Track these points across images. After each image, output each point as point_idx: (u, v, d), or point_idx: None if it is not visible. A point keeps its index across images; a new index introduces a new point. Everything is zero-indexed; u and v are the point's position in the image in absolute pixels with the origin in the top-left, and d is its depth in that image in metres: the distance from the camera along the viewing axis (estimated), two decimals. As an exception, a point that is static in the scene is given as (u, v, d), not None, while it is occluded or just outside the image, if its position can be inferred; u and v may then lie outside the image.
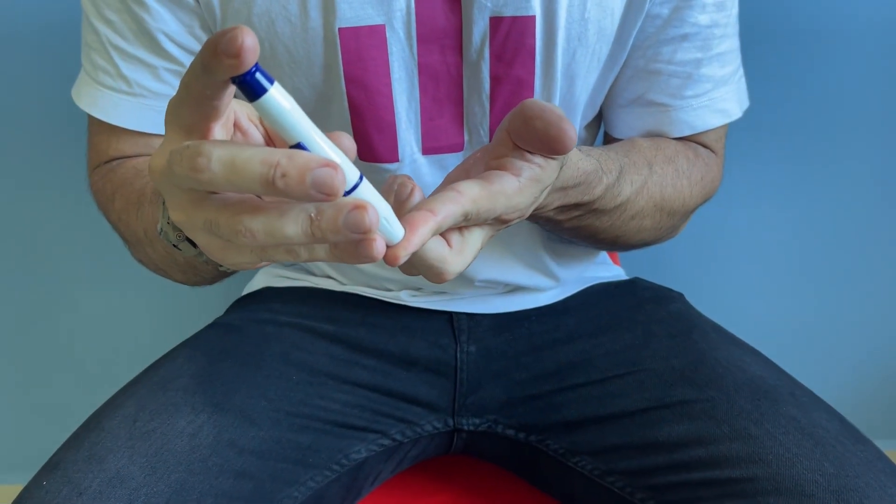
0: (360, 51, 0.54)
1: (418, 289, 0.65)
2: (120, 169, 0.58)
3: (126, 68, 0.57)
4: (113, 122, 0.58)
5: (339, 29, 0.53)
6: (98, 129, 0.60)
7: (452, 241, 0.38)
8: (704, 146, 0.63)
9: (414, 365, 0.64)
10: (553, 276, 0.66)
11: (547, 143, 0.38)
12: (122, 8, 0.55)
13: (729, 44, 0.61)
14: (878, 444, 0.54)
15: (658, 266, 0.87)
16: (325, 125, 0.53)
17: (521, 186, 0.39)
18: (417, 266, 0.38)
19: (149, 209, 0.51)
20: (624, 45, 0.58)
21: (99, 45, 0.57)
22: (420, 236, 0.34)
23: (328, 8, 0.52)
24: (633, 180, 0.55)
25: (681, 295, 0.68)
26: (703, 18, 0.58)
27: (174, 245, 0.42)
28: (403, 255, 0.34)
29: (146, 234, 0.52)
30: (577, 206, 0.50)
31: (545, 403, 0.62)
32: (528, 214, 0.42)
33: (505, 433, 0.63)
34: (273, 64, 0.55)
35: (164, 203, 0.41)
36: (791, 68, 0.96)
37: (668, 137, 0.61)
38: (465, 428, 0.64)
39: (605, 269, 0.72)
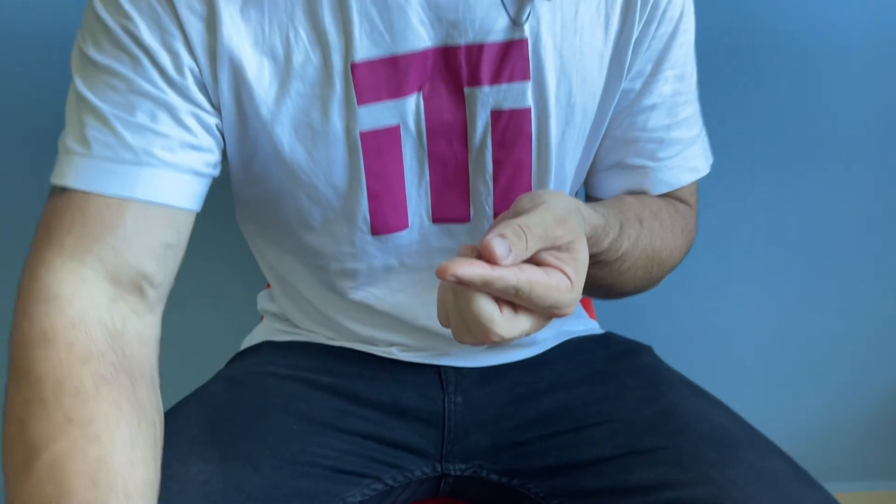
0: (378, 149, 0.60)
1: (405, 345, 0.70)
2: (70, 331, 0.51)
3: (129, 135, 0.56)
4: (99, 191, 0.55)
5: (360, 132, 0.59)
6: (55, 216, 0.55)
7: (504, 311, 0.45)
8: (681, 201, 0.70)
9: (405, 415, 0.68)
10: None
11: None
12: (127, 85, 0.56)
13: (691, 109, 0.68)
14: (828, 486, 0.60)
15: (630, 318, 0.93)
16: (342, 211, 0.58)
17: (574, 284, 0.47)
18: (469, 320, 0.45)
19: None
20: (604, 119, 0.65)
21: (95, 116, 0.56)
22: (470, 268, 0.42)
23: (350, 115, 0.59)
24: (629, 234, 0.60)
25: (650, 348, 0.74)
26: (667, 89, 0.65)
27: None
28: (451, 271, 0.42)
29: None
30: (594, 257, 0.55)
31: (527, 450, 0.67)
32: (581, 245, 0.49)
33: (489, 478, 0.68)
34: (285, 165, 0.60)
35: None
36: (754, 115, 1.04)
37: (649, 195, 0.68)
38: (453, 473, 0.69)
39: (581, 322, 0.78)
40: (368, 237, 0.63)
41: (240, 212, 0.69)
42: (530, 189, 0.64)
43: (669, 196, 0.69)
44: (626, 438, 0.64)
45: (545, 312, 0.47)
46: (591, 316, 0.83)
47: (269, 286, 0.77)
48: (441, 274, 0.42)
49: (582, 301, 0.83)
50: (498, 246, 0.44)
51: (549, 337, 0.73)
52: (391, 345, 0.70)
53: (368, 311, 0.68)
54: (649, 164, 0.67)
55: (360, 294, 0.67)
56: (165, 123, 0.56)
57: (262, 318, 0.80)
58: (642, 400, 0.66)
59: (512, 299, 0.45)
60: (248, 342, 0.77)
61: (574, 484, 0.64)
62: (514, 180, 0.63)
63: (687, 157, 0.69)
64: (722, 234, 1.09)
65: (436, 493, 0.71)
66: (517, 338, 0.47)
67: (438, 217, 0.64)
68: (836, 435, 1.22)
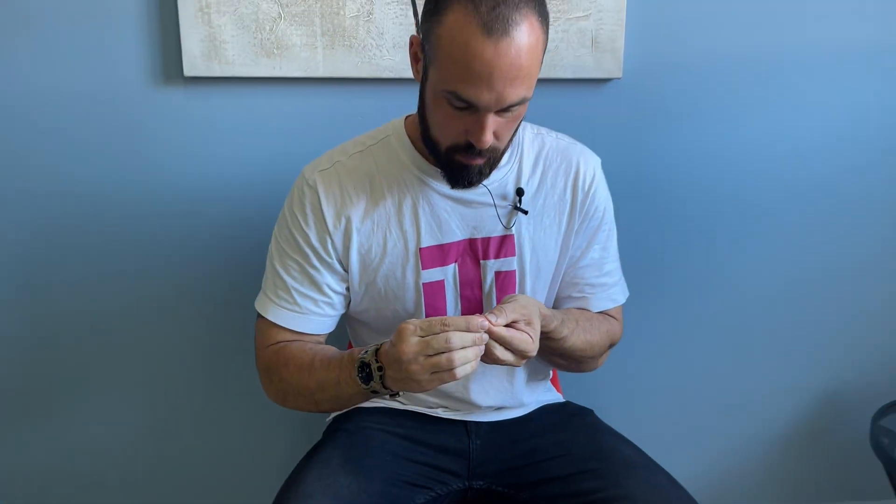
0: (433, 293, 1.10)
1: (446, 407, 1.17)
2: (288, 347, 1.09)
3: (298, 298, 1.09)
4: (284, 325, 1.09)
5: (423, 283, 1.09)
6: (269, 325, 1.10)
7: (499, 348, 0.93)
8: (611, 315, 1.19)
9: (447, 451, 1.15)
10: (523, 400, 1.19)
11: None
12: (302, 270, 1.09)
13: (612, 266, 1.19)
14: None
15: (582, 390, 1.40)
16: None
17: (534, 339, 0.96)
18: (515, 349, 0.93)
19: (322, 374, 1.02)
20: (559, 273, 1.15)
21: (282, 285, 1.09)
22: (498, 329, 0.92)
23: (418, 273, 1.08)
24: (569, 325, 1.08)
25: (591, 411, 1.22)
26: (595, 255, 1.16)
27: (373, 391, 0.96)
28: (488, 324, 0.91)
29: (318, 384, 1.03)
30: (546, 334, 1.02)
31: (520, 472, 1.13)
32: (536, 321, 0.96)
33: (497, 489, 1.14)
34: (382, 297, 1.10)
35: (374, 368, 0.94)
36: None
37: (590, 311, 1.17)
38: (475, 487, 1.15)
39: (551, 395, 1.26)
40: None
41: (350, 318, 1.17)
42: None
43: (604, 312, 1.18)
44: (577, 464, 1.10)
45: (520, 354, 0.94)
46: (558, 390, 1.31)
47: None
48: (482, 329, 0.90)
49: (552, 381, 1.30)
50: (495, 318, 0.93)
51: (532, 403, 1.21)
52: (439, 407, 1.17)
53: None
54: (587, 296, 1.17)
55: None
56: (318, 293, 1.09)
57: None
58: (585, 442, 1.14)
59: (504, 345, 0.93)
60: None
61: (547, 492, 1.10)
62: None
63: (610, 294, 1.19)
64: (637, 326, 1.57)
65: (465, 499, 1.17)
66: (507, 363, 0.94)
67: None
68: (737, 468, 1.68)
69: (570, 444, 1.13)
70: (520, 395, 1.19)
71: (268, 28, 1.33)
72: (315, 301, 1.09)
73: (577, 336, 1.09)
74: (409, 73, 1.08)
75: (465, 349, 0.89)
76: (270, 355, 1.09)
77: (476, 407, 1.16)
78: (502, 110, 0.94)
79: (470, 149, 0.98)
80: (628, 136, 1.45)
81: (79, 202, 1.39)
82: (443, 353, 0.88)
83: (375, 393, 0.97)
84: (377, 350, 0.95)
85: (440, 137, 1.00)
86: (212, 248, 1.43)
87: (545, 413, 1.21)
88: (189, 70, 1.33)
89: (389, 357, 0.92)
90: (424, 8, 0.96)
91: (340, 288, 1.10)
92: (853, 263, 1.56)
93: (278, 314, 1.09)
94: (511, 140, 1.03)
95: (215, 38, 1.32)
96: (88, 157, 1.37)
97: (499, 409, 1.19)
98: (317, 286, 1.09)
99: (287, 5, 1.32)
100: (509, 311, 0.94)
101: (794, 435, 1.66)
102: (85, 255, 1.42)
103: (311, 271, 1.08)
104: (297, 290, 1.09)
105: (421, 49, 0.99)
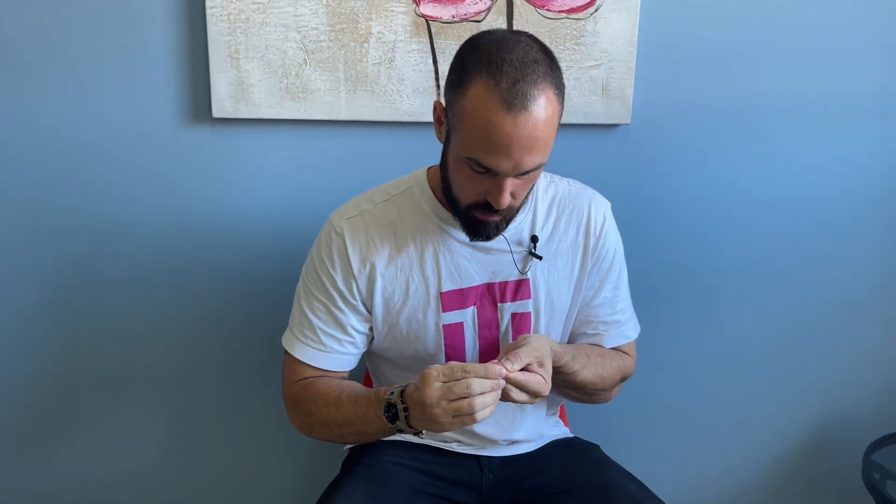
0: (452, 334, 1.16)
1: (460, 442, 1.23)
2: (315, 383, 1.16)
3: (323, 338, 1.16)
4: (309, 363, 1.16)
5: (443, 325, 1.15)
6: (296, 362, 1.17)
7: (515, 390, 0.99)
8: (624, 352, 1.25)
9: (461, 484, 1.21)
10: (533, 435, 1.25)
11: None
12: (328, 311, 1.15)
13: (624, 304, 1.25)
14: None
15: (589, 425, 1.46)
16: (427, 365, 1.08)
17: (546, 380, 1.02)
18: (529, 391, 0.99)
19: (349, 409, 1.09)
20: (573, 312, 1.21)
21: (308, 325, 1.15)
22: (514, 375, 0.98)
23: (438, 315, 1.15)
24: (580, 360, 1.15)
25: (597, 446, 1.29)
26: (608, 294, 1.22)
27: (398, 430, 1.03)
28: (503, 373, 0.97)
29: (346, 419, 1.09)
30: (557, 368, 1.08)
31: (530, 501, 1.19)
32: (548, 361, 1.03)
33: (508, 517, 1.21)
34: (405, 338, 1.16)
35: (400, 409, 1.01)
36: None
37: (603, 346, 1.23)
38: (488, 517, 1.22)
39: (558, 429, 1.32)
40: None
41: (372, 354, 1.23)
42: None
43: (617, 348, 1.25)
44: (583, 499, 1.16)
45: (534, 394, 1.01)
46: (566, 424, 1.37)
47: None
48: (500, 375, 0.97)
49: (560, 416, 1.36)
50: (511, 364, 1.00)
51: (542, 438, 1.27)
52: (453, 441, 1.23)
53: None
54: (600, 332, 1.23)
55: None
56: (342, 333, 1.15)
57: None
58: (591, 476, 1.20)
59: (519, 388, 0.99)
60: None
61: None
62: None
63: (622, 330, 1.25)
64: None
65: (477, 530, 1.23)
66: (522, 402, 1.01)
67: None
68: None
69: (577, 480, 1.19)
70: (530, 430, 1.25)
71: (293, 73, 1.39)
72: (339, 341, 1.16)
73: (588, 370, 1.16)
74: (428, 117, 1.14)
75: (483, 395, 0.95)
76: (299, 390, 1.16)
77: (489, 441, 1.22)
78: (520, 174, 1.00)
79: (488, 207, 1.04)
80: (636, 179, 1.52)
81: (108, 237, 1.45)
82: (464, 398, 0.94)
83: (401, 431, 1.03)
84: (402, 391, 1.02)
85: (460, 196, 1.06)
86: (235, 281, 1.49)
87: (554, 448, 1.27)
88: (217, 112, 1.39)
89: (413, 400, 0.99)
90: (449, 79, 1.03)
91: (364, 328, 1.17)
92: (847, 302, 1.63)
93: (304, 352, 1.16)
94: (527, 198, 1.09)
95: (243, 81, 1.38)
96: (118, 194, 1.43)
97: (511, 443, 1.24)
98: (341, 327, 1.15)
99: (313, 52, 1.38)
100: (523, 356, 1.01)
101: (793, 469, 1.73)
102: (114, 290, 1.48)
103: (337, 313, 1.15)
104: (322, 329, 1.15)
105: (444, 115, 1.05)
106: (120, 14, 1.35)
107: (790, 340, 1.64)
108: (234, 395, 1.56)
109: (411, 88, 1.41)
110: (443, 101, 1.05)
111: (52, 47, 1.36)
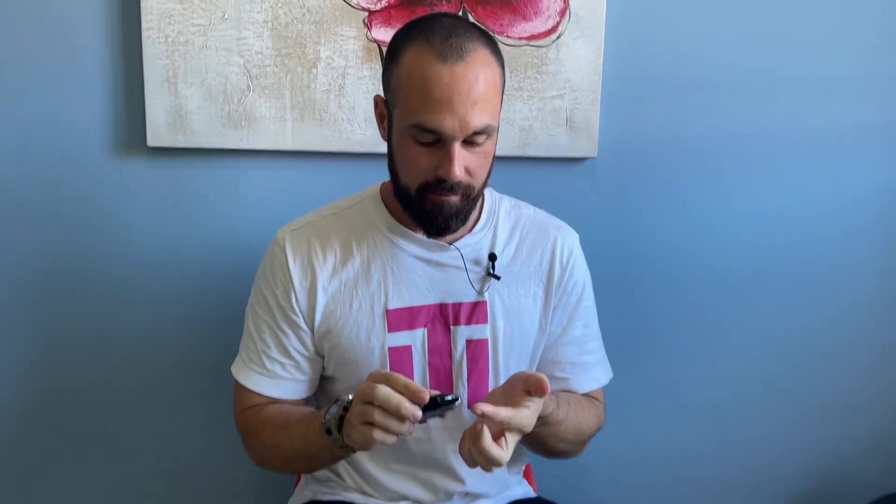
0: (398, 359, 1.03)
1: (408, 499, 1.08)
2: (264, 409, 1.04)
3: (267, 362, 1.04)
4: (256, 390, 1.05)
5: (388, 348, 1.03)
6: (245, 390, 1.06)
7: (501, 443, 0.86)
8: (594, 398, 1.13)
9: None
10: (492, 490, 1.12)
11: (537, 389, 0.88)
12: (271, 332, 1.04)
13: (594, 344, 1.13)
14: None
15: (558, 482, 1.32)
16: None
17: (531, 413, 0.88)
18: (487, 457, 0.85)
19: (295, 429, 0.97)
20: (537, 349, 1.09)
21: (254, 348, 1.05)
22: (495, 410, 0.84)
23: (384, 336, 1.03)
24: (563, 408, 1.02)
25: (560, 504, 1.14)
26: (577, 333, 1.11)
27: (335, 441, 0.90)
28: (480, 409, 0.84)
29: (289, 441, 0.97)
30: (543, 418, 0.95)
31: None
32: (532, 427, 0.89)
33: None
34: (348, 362, 1.03)
35: (337, 426, 0.89)
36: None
37: (575, 393, 1.10)
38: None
39: (522, 487, 1.18)
40: None
41: (320, 389, 1.11)
42: (488, 388, 1.06)
43: (587, 394, 1.12)
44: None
45: (520, 430, 0.89)
46: (532, 485, 1.22)
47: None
48: (475, 409, 0.84)
49: (525, 475, 1.22)
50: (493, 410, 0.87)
51: (503, 496, 1.13)
52: (402, 499, 1.08)
53: (387, 462, 1.07)
54: (569, 376, 1.11)
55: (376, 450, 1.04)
56: (285, 357, 1.05)
57: (298, 478, 1.18)
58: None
59: (504, 427, 0.87)
60: (296, 500, 1.15)
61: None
62: (480, 381, 1.06)
63: (593, 373, 1.13)
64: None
65: None
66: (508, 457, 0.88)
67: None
68: None
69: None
70: (491, 484, 1.12)
71: (236, 100, 1.30)
72: (283, 365, 1.05)
73: (571, 420, 1.04)
74: (381, 148, 1.05)
75: (388, 417, 0.83)
76: (249, 417, 1.07)
77: (443, 492, 1.08)
78: (469, 142, 0.93)
79: (441, 184, 0.95)
80: (605, 214, 1.42)
81: (35, 272, 1.34)
82: (369, 403, 0.84)
83: (343, 448, 0.91)
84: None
85: (409, 179, 0.97)
86: (179, 318, 1.37)
87: (515, 508, 1.13)
88: (153, 140, 1.29)
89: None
90: (384, 67, 0.99)
91: (307, 351, 1.06)
92: (842, 347, 1.52)
93: (249, 378, 1.07)
94: (485, 182, 1.01)
95: (181, 108, 1.29)
96: (45, 224, 1.33)
97: (468, 496, 1.11)
98: (283, 350, 1.05)
99: (257, 77, 1.30)
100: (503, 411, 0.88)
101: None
102: (45, 326, 1.35)
103: (279, 333, 1.05)
104: (266, 353, 1.05)
105: (385, 104, 1.00)
106: (47, 34, 1.27)
107: (779, 385, 1.52)
108: (197, 436, 1.40)
109: (363, 117, 1.33)
110: (383, 95, 0.99)
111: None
